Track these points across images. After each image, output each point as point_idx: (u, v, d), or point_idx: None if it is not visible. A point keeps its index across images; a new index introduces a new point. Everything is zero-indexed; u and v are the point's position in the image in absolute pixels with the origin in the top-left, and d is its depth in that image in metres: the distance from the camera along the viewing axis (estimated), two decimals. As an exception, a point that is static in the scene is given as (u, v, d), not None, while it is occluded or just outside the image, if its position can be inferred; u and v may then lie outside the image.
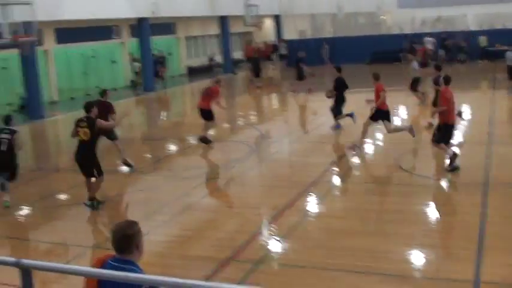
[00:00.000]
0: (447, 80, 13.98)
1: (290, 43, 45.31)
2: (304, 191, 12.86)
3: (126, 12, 31.83)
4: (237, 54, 47.02)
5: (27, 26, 19.49)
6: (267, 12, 46.33)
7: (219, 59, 45.73)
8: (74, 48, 33.82)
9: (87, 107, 12.43)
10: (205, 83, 39.25)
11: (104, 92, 16.03)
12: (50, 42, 30.95)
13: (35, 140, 21.47)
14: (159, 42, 39.65)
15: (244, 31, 49.80)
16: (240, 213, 12.08)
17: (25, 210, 13.24)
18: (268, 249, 9.90)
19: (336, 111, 19.41)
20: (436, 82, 16.97)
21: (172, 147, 19.59)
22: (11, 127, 13.63)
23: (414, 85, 22.87)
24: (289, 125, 22.89)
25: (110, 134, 15.87)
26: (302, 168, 15.38)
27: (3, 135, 13.32)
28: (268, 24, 52.39)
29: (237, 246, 9.85)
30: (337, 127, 19.37)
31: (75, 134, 12.38)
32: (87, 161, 12.45)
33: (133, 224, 4.68)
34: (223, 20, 42.55)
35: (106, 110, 15.03)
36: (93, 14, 29.34)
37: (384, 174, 14.48)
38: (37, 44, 24.12)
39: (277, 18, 50.67)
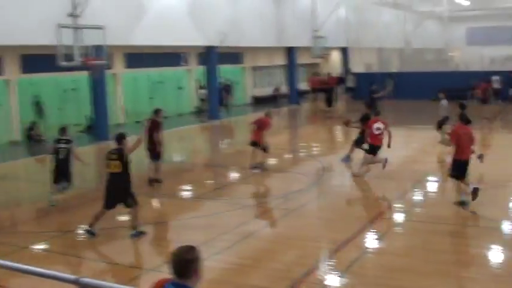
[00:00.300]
0: (462, 118, 14.35)
1: (356, 76, 45.23)
2: (365, 226, 12.72)
3: (195, 40, 32.27)
4: (303, 85, 47.15)
5: (97, 49, 19.93)
6: (334, 44, 46.36)
7: (284, 89, 45.92)
8: (141, 72, 34.46)
9: (119, 139, 12.52)
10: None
11: (157, 111, 17.20)
12: (119, 66, 31.63)
13: (99, 161, 21.77)
14: (225, 71, 40.10)
15: (311, 62, 49.94)
16: (299, 245, 11.99)
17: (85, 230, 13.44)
18: (325, 284, 9.78)
19: (358, 144, 19.60)
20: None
21: (234, 175, 19.65)
22: (67, 137, 15.48)
23: (440, 124, 22.64)
24: (354, 158, 22.71)
25: (155, 155, 17.04)
26: (364, 203, 15.23)
27: (61, 145, 15.25)
28: (335, 56, 52.45)
29: (294, 278, 9.78)
30: (346, 161, 19.83)
31: (107, 166, 12.42)
32: (119, 190, 12.43)
33: (192, 249, 4.66)
34: (290, 51, 42.75)
35: (155, 127, 16.57)
36: (163, 40, 29.84)
37: (448, 213, 14.17)
38: (107, 67, 24.65)
39: (344, 51, 50.68)
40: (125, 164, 12.24)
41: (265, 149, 19.22)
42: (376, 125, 17.40)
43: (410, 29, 49.48)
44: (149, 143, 17.13)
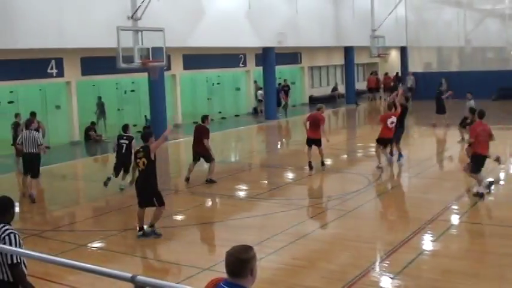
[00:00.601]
0: (480, 115, 15.35)
1: (415, 76, 44.72)
2: (421, 228, 12.56)
3: (253, 42, 32.38)
4: (361, 85, 46.85)
5: (156, 51, 20.13)
6: (393, 43, 45.95)
7: (341, 89, 45.72)
8: (200, 74, 34.76)
9: (146, 137, 12.71)
10: (326, 112, 39.52)
11: (205, 117, 17.94)
12: (177, 68, 31.93)
13: (157, 161, 22.00)
14: (283, 71, 40.16)
15: (369, 62, 49.59)
16: (354, 246, 11.91)
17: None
18: (379, 286, 9.71)
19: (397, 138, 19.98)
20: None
21: (290, 175, 19.63)
22: (128, 134, 17.29)
23: (463, 123, 22.66)
24: (410, 159, 22.47)
25: (207, 157, 17.61)
26: (420, 205, 15.03)
27: (123, 141, 17.00)
28: (394, 55, 51.92)
29: (348, 280, 9.71)
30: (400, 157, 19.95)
31: (136, 165, 12.61)
32: (145, 189, 12.51)
33: (248, 249, 4.61)
34: (348, 51, 42.53)
35: (202, 133, 17.43)
36: (221, 42, 30.03)
37: (506, 215, 13.88)
38: (165, 68, 24.91)
39: (403, 50, 50.16)
40: (150, 161, 12.32)
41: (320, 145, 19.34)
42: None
43: (471, 28, 48.56)
44: (197, 147, 17.75)
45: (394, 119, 19.06)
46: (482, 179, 15.10)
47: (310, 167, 19.07)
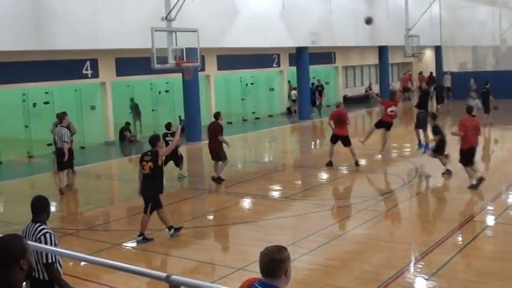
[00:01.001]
0: (468, 110, 16.59)
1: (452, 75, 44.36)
2: (456, 229, 12.44)
3: (287, 42, 32.37)
4: (395, 84, 46.48)
5: (191, 51, 20.20)
6: (428, 43, 45.58)
7: (376, 89, 45.48)
8: (233, 74, 34.83)
9: (153, 141, 12.57)
10: (361, 112, 39.41)
11: (218, 114, 18.35)
12: (211, 68, 32.05)
13: (190, 161, 22.13)
14: (317, 71, 40.08)
15: (404, 62, 49.27)
16: (389, 247, 11.84)
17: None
18: (414, 287, 9.64)
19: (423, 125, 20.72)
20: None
21: (324, 176, 19.57)
22: (172, 131, 18.11)
23: None
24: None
25: (219, 156, 17.93)
26: (456, 205, 14.90)
27: (168, 138, 17.68)
28: (429, 55, 51.52)
29: (383, 281, 9.66)
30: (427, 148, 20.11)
31: (141, 168, 12.40)
32: (151, 194, 12.44)
33: (282, 249, 4.56)
34: (382, 50, 42.31)
35: (217, 130, 17.74)
36: (255, 42, 30.07)
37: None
38: (199, 69, 25.01)
39: (437, 49, 49.75)
40: (156, 166, 12.21)
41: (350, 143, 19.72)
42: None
43: (506, 26, 48.03)
44: (211, 145, 18.14)
45: (393, 108, 20.97)
46: (474, 170, 16.03)
47: (330, 164, 19.38)
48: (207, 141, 18.51)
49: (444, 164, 17.67)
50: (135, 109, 30.26)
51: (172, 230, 12.63)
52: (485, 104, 27.55)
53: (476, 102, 23.05)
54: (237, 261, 11.15)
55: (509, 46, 48.37)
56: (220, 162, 18.01)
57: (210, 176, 18.21)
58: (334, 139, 19.66)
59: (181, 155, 18.90)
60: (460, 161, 16.23)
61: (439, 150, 17.75)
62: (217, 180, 17.93)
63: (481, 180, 15.85)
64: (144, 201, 12.49)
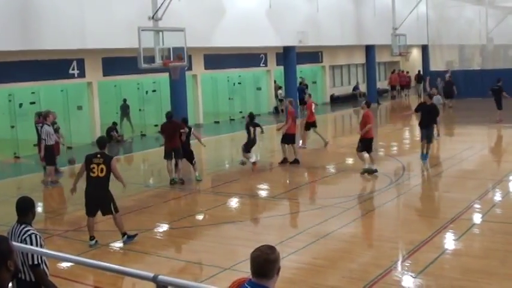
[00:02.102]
0: (368, 104, 18.92)
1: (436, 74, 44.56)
2: (443, 227, 12.49)
3: (274, 41, 32.37)
4: (382, 83, 46.65)
5: (177, 51, 20.18)
6: (415, 42, 45.74)
7: (363, 88, 45.61)
8: (221, 73, 34.82)
9: (101, 143, 12.56)
10: (348, 111, 39.48)
11: (168, 113, 18.41)
12: (198, 68, 32.02)
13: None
14: (304, 71, 40.13)
15: (391, 61, 49.42)
16: (376, 245, 11.89)
17: (164, 229, 13.70)
18: (401, 285, 9.68)
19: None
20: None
21: (311, 175, 19.60)
22: (188, 126, 18.34)
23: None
24: (432, 157, 22.35)
25: (179, 153, 17.81)
26: (442, 204, 14.97)
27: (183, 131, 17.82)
28: (415, 54, 51.67)
29: (370, 279, 9.69)
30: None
31: (88, 170, 12.15)
32: (104, 198, 12.23)
33: (274, 249, 4.55)
34: (369, 49, 42.40)
35: (174, 129, 17.71)
36: (242, 42, 30.05)
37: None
38: (186, 69, 24.97)
39: (424, 48, 49.94)
40: (109, 170, 12.08)
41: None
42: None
43: (493, 25, 48.25)
44: (171, 143, 17.82)
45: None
46: (373, 158, 18.35)
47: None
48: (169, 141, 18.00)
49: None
50: (124, 110, 30.20)
51: (94, 241, 12.27)
52: (498, 101, 28.03)
53: (438, 98, 23.58)
54: (224, 261, 11.14)
55: (496, 45, 48.62)
56: (180, 161, 17.86)
57: (190, 178, 18.15)
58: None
59: (192, 151, 18.55)
60: (362, 150, 18.37)
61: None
62: (180, 180, 17.86)
63: (374, 171, 17.94)
64: (94, 206, 12.35)
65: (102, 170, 11.99)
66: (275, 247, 4.58)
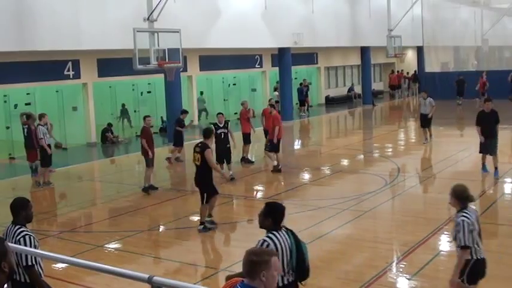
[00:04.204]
0: (273, 106, 20.84)
1: (431, 75, 44.80)
2: (438, 229, 12.52)
3: (269, 42, 32.36)
4: (377, 85, 46.67)
5: (173, 52, 20.18)
6: (410, 43, 45.80)
7: (358, 89, 45.68)
8: (216, 75, 34.83)
9: (207, 134, 13.26)
10: (343, 113, 39.53)
11: (147, 117, 17.61)
12: (193, 69, 32.01)
13: (175, 162, 22.08)
14: (299, 72, 40.17)
15: (386, 62, 49.50)
16: (371, 247, 11.89)
17: (159, 230, 13.70)
18: (396, 287, 9.69)
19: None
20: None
21: (307, 176, 19.61)
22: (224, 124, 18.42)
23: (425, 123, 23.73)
24: (426, 160, 22.38)
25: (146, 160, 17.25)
26: (437, 205, 14.98)
27: (221, 130, 18.17)
28: (410, 55, 51.79)
29: (365, 280, 9.70)
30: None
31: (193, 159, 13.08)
32: (203, 183, 13.09)
33: (263, 252, 4.58)
34: (364, 51, 42.44)
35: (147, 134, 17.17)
36: (237, 43, 30.04)
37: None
38: (181, 69, 24.97)
39: (419, 50, 50.05)
40: (204, 158, 12.77)
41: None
42: None
43: (488, 27, 48.37)
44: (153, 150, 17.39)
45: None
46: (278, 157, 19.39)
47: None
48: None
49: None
50: (124, 111, 30.36)
51: (201, 227, 12.99)
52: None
53: (430, 101, 23.48)
54: (219, 262, 11.16)
55: (491, 46, 48.74)
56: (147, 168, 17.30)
57: (191, 177, 18.00)
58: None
59: (229, 148, 18.57)
60: (272, 150, 19.35)
61: None
62: (151, 188, 17.19)
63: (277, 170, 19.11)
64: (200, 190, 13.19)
65: (198, 159, 12.86)
66: (269, 252, 4.56)
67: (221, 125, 18.34)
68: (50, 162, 18.68)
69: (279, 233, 6.73)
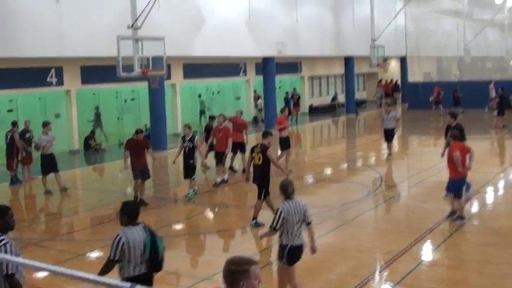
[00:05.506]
0: (224, 118, 19.84)
1: (414, 85, 45.13)
2: (421, 237, 12.55)
3: (253, 51, 32.37)
4: (361, 94, 46.81)
5: (156, 60, 20.11)
6: (393, 53, 46.03)
7: (341, 98, 45.82)
8: (200, 83, 34.80)
9: (264, 135, 14.16)
10: (326, 122, 39.61)
11: (140, 131, 17.01)
12: (177, 77, 31.97)
13: (156, 170, 22.03)
14: (283, 81, 40.25)
15: (369, 72, 49.72)
16: (354, 256, 11.90)
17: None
18: (379, 295, 9.71)
19: None
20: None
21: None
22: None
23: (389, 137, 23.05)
24: (410, 168, 22.46)
25: (147, 174, 16.77)
26: (420, 214, 15.02)
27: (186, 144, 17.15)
28: (394, 65, 52.04)
29: (348, 289, 9.71)
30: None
31: (251, 159, 13.85)
32: (261, 182, 13.75)
33: (243, 262, 4.50)
34: (348, 60, 42.57)
35: (145, 145, 16.62)
36: (222, 51, 30.03)
37: (505, 225, 13.85)
38: (165, 77, 24.92)
39: (402, 60, 50.35)
40: (265, 158, 13.55)
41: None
42: None
43: (470, 37, 48.67)
44: (140, 162, 16.56)
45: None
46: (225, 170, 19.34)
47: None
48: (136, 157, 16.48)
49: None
50: (97, 118, 30.01)
51: (254, 222, 13.63)
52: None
53: (394, 114, 23.04)
54: (202, 271, 11.12)
55: (473, 57, 49.02)
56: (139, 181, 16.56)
57: (174, 185, 17.99)
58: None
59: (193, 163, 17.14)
60: (218, 162, 19.00)
61: None
62: (143, 202, 16.04)
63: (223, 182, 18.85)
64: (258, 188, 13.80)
65: (260, 158, 13.61)
66: (250, 261, 4.46)
67: (187, 138, 17.07)
68: (48, 171, 18.64)
69: (134, 228, 7.51)
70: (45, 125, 18.82)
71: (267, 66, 34.45)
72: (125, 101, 31.27)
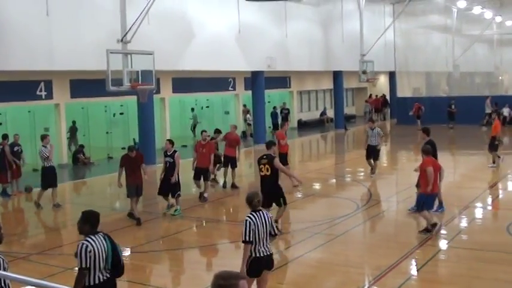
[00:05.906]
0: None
1: (403, 100, 45.33)
2: (409, 253, 12.57)
3: (242, 66, 32.42)
4: (350, 109, 46.93)
5: (146, 74, 20.11)
6: (382, 68, 46.20)
7: (330, 113, 45.94)
8: (189, 97, 34.83)
9: (268, 145, 14.41)
10: (315, 137, 39.69)
11: (133, 147, 17.40)
12: (166, 91, 32.00)
13: (144, 185, 21.97)
14: (272, 95, 40.33)
15: (358, 87, 49.89)
16: (342, 271, 11.90)
17: (129, 253, 13.57)
18: (367, 311, 9.70)
19: None
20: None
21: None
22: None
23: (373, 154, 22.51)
24: (399, 184, 22.51)
25: (139, 190, 16.59)
26: (409, 229, 15.04)
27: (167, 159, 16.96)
28: (383, 80, 52.26)
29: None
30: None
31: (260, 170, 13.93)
32: (272, 192, 13.77)
33: (231, 276, 4.47)
34: (337, 75, 42.70)
35: (137, 162, 16.42)
36: (211, 66, 30.06)
37: (495, 240, 13.89)
38: (154, 92, 24.92)
39: (391, 75, 50.59)
40: (274, 168, 13.73)
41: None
42: None
43: (459, 53, 49.01)
44: (137, 178, 16.53)
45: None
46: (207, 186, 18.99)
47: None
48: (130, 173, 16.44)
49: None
50: (72, 132, 29.78)
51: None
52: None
53: (378, 131, 22.68)
54: (190, 286, 11.08)
55: (462, 72, 49.33)
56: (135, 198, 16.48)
57: (163, 199, 17.86)
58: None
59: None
60: (197, 178, 18.79)
61: None
62: (133, 218, 16.26)
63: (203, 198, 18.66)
64: (267, 199, 13.36)
65: (268, 169, 13.75)
66: (237, 276, 4.46)
67: (169, 153, 16.95)
68: (48, 185, 18.69)
69: (96, 237, 7.57)
70: (44, 138, 18.81)
71: (256, 81, 34.48)
72: (114, 115, 31.24)
